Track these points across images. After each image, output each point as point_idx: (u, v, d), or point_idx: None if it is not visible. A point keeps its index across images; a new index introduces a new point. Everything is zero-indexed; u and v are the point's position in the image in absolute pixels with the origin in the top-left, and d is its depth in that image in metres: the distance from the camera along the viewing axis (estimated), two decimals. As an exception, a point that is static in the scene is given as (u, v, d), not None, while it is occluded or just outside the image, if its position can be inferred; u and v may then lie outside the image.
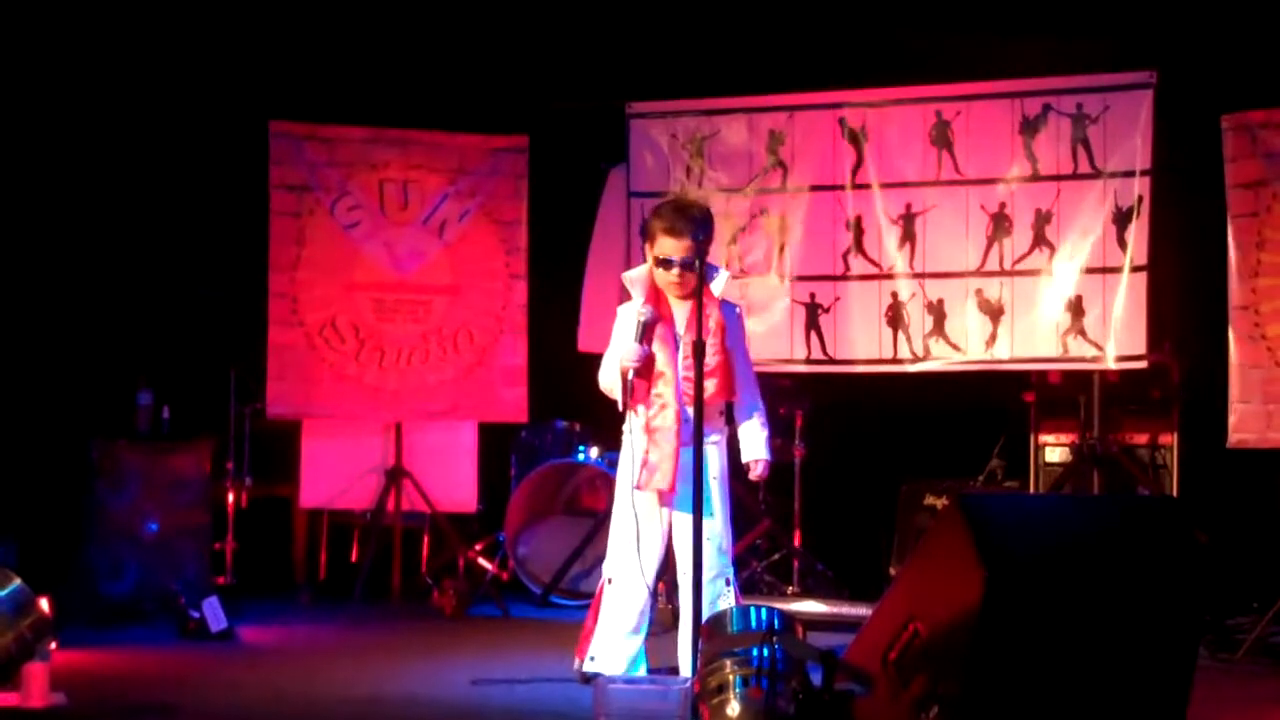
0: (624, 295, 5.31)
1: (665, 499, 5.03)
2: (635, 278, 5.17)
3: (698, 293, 4.78)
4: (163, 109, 7.62)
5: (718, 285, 5.08)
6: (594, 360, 7.62)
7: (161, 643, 6.26)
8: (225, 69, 7.60)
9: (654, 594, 5.19)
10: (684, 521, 4.86)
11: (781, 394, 7.36)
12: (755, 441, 5.19)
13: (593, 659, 5.09)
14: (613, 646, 5.08)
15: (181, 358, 7.44)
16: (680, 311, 5.08)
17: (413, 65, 7.72)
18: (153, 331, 7.50)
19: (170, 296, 7.55)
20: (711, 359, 4.91)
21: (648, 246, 5.15)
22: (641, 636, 5.12)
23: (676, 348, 5.04)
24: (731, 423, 5.16)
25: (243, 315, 7.41)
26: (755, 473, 5.21)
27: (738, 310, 5.26)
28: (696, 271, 4.84)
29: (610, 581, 5.11)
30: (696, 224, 5.03)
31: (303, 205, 7.34)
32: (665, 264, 5.04)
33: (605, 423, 7.57)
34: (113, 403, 7.01)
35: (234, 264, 7.55)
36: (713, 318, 4.97)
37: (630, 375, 4.97)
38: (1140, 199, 6.56)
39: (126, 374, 7.06)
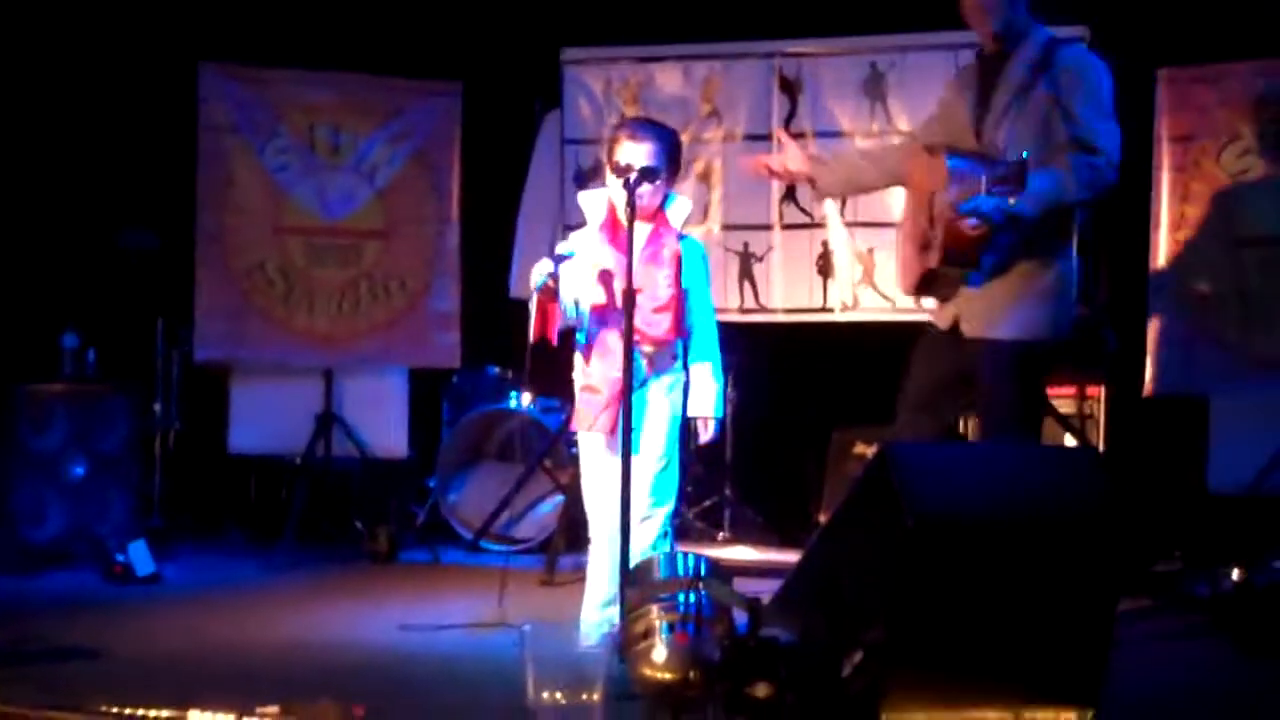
0: (556, 241, 5.25)
1: (606, 441, 4.74)
2: (592, 198, 4.82)
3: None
4: (89, 48, 7.50)
5: (676, 212, 4.78)
6: (525, 307, 7.67)
7: (87, 587, 6.23)
8: (153, 8, 7.48)
9: None
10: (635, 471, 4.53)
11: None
12: (704, 395, 4.81)
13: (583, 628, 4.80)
14: (589, 615, 4.79)
15: (108, 301, 7.35)
16: (638, 237, 4.64)
17: (346, 5, 7.63)
18: (79, 274, 7.40)
19: (97, 239, 7.44)
20: (665, 291, 4.67)
21: (607, 162, 4.79)
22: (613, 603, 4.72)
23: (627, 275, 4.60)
24: (686, 368, 4.85)
25: (171, 258, 7.32)
26: (703, 435, 4.86)
27: (703, 251, 4.92)
28: (658, 185, 4.62)
29: (592, 541, 4.85)
30: (663, 134, 4.78)
31: (232, 147, 7.25)
32: (624, 170, 4.59)
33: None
34: (38, 346, 6.92)
35: (162, 206, 7.45)
36: (668, 246, 4.72)
37: (535, 296, 4.53)
38: (1071, 152, 6.58)
39: (52, 317, 6.97)
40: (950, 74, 6.67)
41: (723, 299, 7.03)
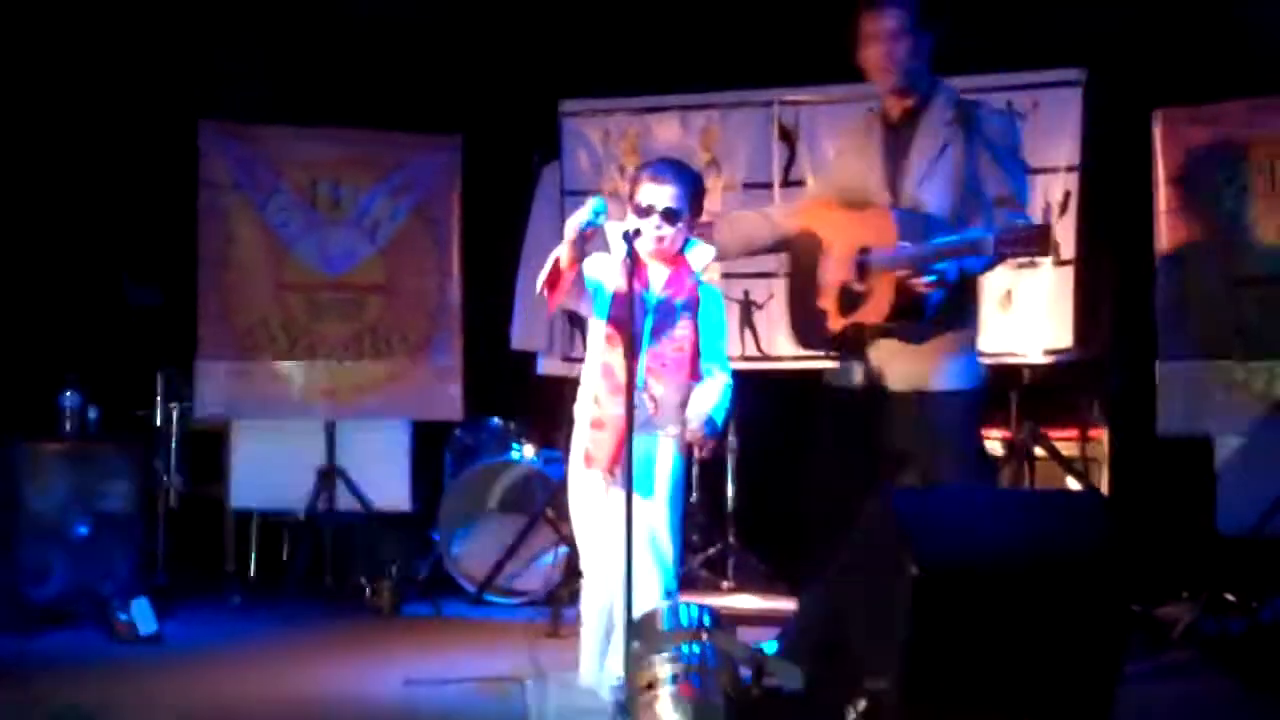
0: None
1: (606, 479, 4.60)
2: (619, 230, 4.58)
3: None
4: (91, 104, 7.54)
5: (697, 257, 4.71)
6: (527, 358, 7.70)
7: (89, 647, 6.19)
8: (154, 67, 7.52)
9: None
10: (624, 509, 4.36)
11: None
12: (702, 401, 4.61)
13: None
14: (586, 652, 4.70)
15: (109, 358, 7.34)
16: (657, 277, 4.65)
17: (345, 62, 7.67)
18: (80, 332, 7.40)
19: (98, 296, 7.45)
20: (681, 331, 4.61)
21: (629, 203, 4.73)
22: (610, 639, 4.66)
23: (645, 314, 4.58)
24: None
25: (172, 315, 7.33)
26: (690, 431, 4.58)
27: (721, 298, 4.87)
28: (679, 227, 4.57)
29: (584, 578, 4.77)
30: (686, 176, 4.71)
31: (232, 204, 7.28)
32: (645, 211, 4.59)
33: (540, 420, 7.59)
34: (39, 404, 6.91)
35: (163, 263, 7.47)
36: (687, 288, 4.65)
37: (570, 238, 4.39)
38: (1069, 195, 6.61)
39: (53, 375, 6.97)
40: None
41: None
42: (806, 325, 5.10)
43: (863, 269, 4.82)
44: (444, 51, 7.70)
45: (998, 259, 4.60)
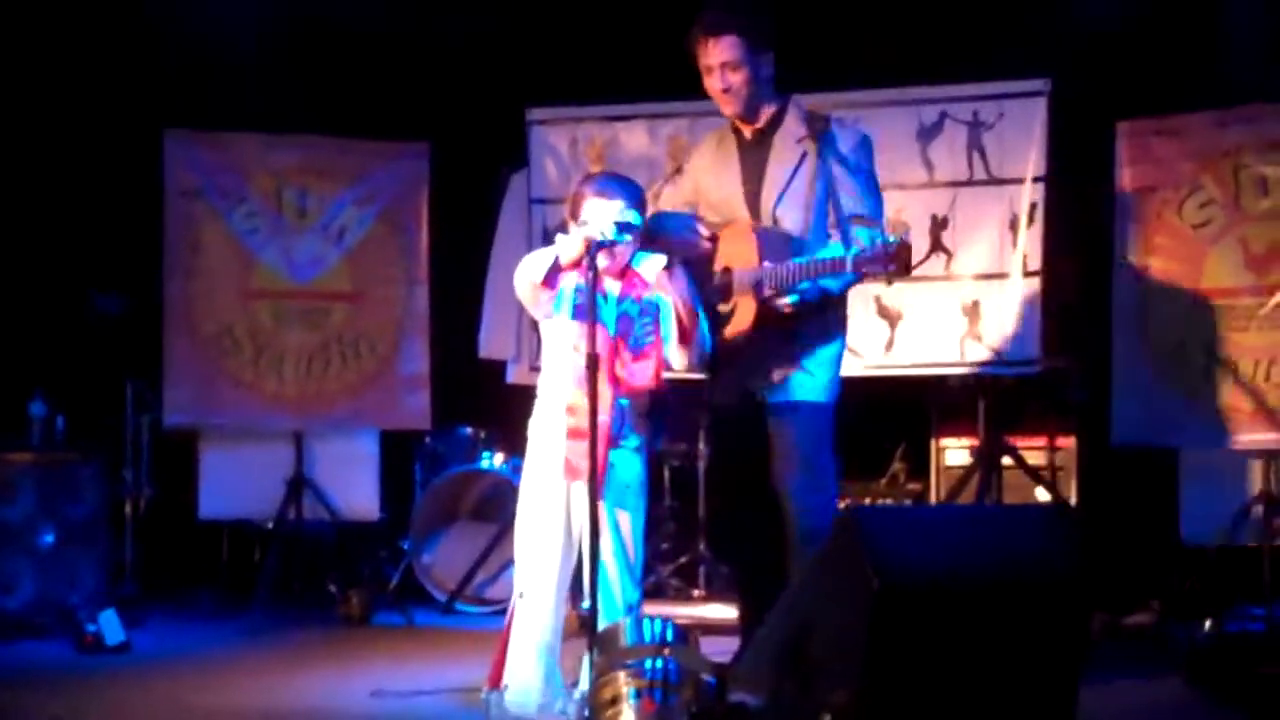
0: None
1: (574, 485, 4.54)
2: (569, 241, 4.56)
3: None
4: (55, 114, 7.50)
5: (648, 269, 4.63)
6: (496, 367, 7.68)
7: (57, 658, 6.17)
8: (119, 75, 7.49)
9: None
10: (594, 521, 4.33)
11: (686, 398, 7.35)
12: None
13: (507, 686, 4.67)
14: (527, 667, 4.64)
15: (76, 367, 7.31)
16: (610, 290, 4.58)
17: (312, 69, 7.64)
18: (46, 341, 7.37)
19: (64, 306, 7.42)
20: (646, 339, 4.57)
21: (572, 220, 4.64)
22: (556, 653, 4.70)
23: (609, 326, 4.49)
24: (658, 423, 4.78)
25: (139, 324, 7.30)
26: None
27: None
28: (628, 241, 4.52)
29: (521, 595, 4.69)
30: (631, 190, 4.67)
31: (198, 212, 7.26)
32: (627, 228, 4.54)
33: (509, 429, 7.58)
34: (6, 414, 6.89)
35: (129, 272, 7.44)
36: (644, 296, 4.60)
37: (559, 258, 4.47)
38: (1034, 205, 6.64)
39: (20, 385, 6.94)
40: (911, 130, 6.80)
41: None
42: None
43: (725, 289, 4.80)
44: (412, 59, 7.68)
45: (856, 278, 4.55)
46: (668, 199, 5.14)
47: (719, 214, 4.90)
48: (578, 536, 4.61)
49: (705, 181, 4.99)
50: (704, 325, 4.73)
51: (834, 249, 4.55)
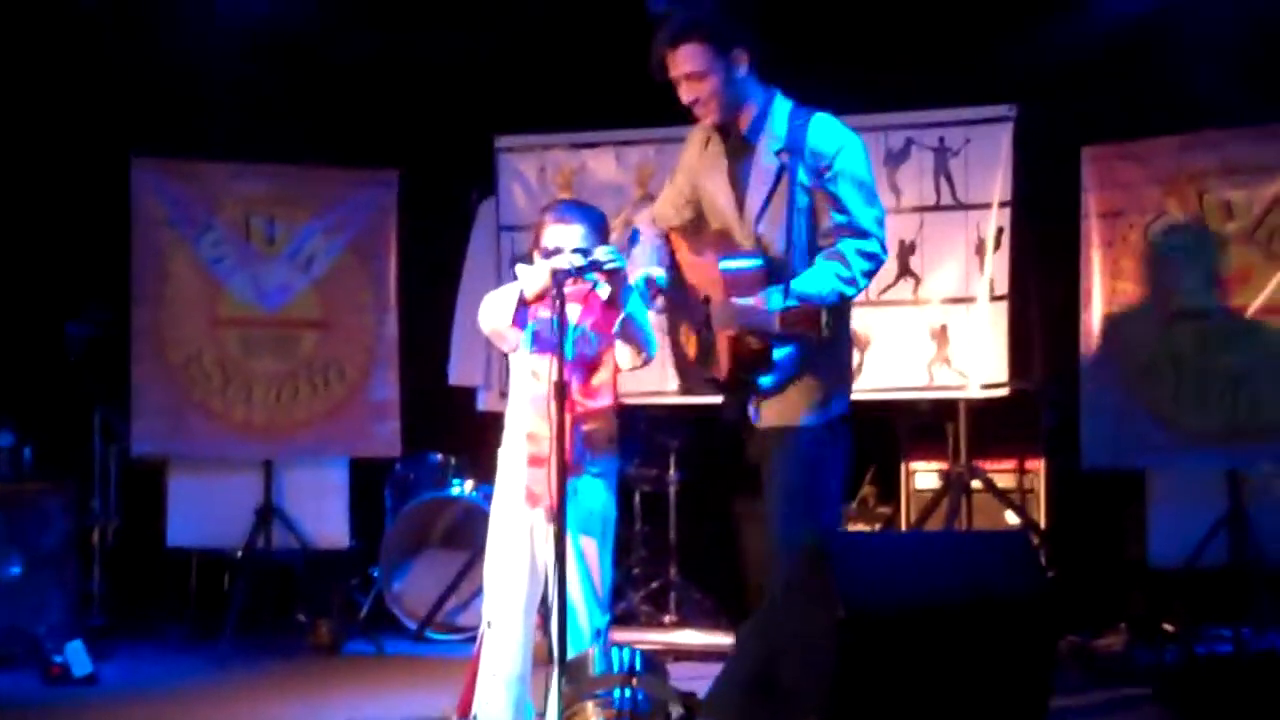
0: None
1: (548, 515, 4.43)
2: (531, 272, 4.52)
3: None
4: (22, 142, 7.47)
5: (606, 292, 4.53)
6: (466, 394, 7.68)
7: (23, 689, 6.13)
8: (86, 103, 7.47)
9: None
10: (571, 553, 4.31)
11: (657, 423, 7.38)
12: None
13: (475, 716, 4.61)
14: (496, 697, 4.59)
15: (43, 397, 7.28)
16: (571, 316, 4.49)
17: (280, 98, 7.64)
18: (12, 371, 7.33)
19: (31, 335, 7.38)
20: (604, 363, 4.53)
21: (534, 248, 4.61)
22: (526, 682, 4.63)
23: (567, 355, 4.34)
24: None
25: (107, 352, 7.27)
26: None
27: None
28: (596, 276, 4.40)
29: (490, 625, 4.63)
30: (592, 215, 4.61)
31: (166, 240, 7.25)
32: (553, 254, 4.44)
33: (479, 456, 7.57)
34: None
35: (97, 300, 7.40)
36: (601, 319, 4.53)
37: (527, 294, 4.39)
38: (1001, 230, 6.67)
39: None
40: (878, 156, 6.81)
41: (662, 381, 7.01)
42: (686, 368, 4.83)
43: (709, 319, 4.62)
44: (380, 87, 7.68)
45: (838, 300, 4.36)
46: (664, 198, 4.84)
47: (718, 220, 4.65)
48: (543, 564, 4.59)
49: (701, 183, 4.70)
50: (646, 326, 4.60)
51: (774, 299, 4.27)
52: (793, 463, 4.48)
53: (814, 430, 4.48)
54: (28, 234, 7.53)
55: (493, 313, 4.60)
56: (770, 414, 4.51)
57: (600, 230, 4.66)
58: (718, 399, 4.76)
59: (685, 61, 4.43)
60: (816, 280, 4.33)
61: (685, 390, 5.14)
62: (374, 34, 7.52)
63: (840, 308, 4.47)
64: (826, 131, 4.46)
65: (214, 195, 7.31)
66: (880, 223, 4.45)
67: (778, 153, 4.42)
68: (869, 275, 4.45)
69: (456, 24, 7.55)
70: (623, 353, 4.59)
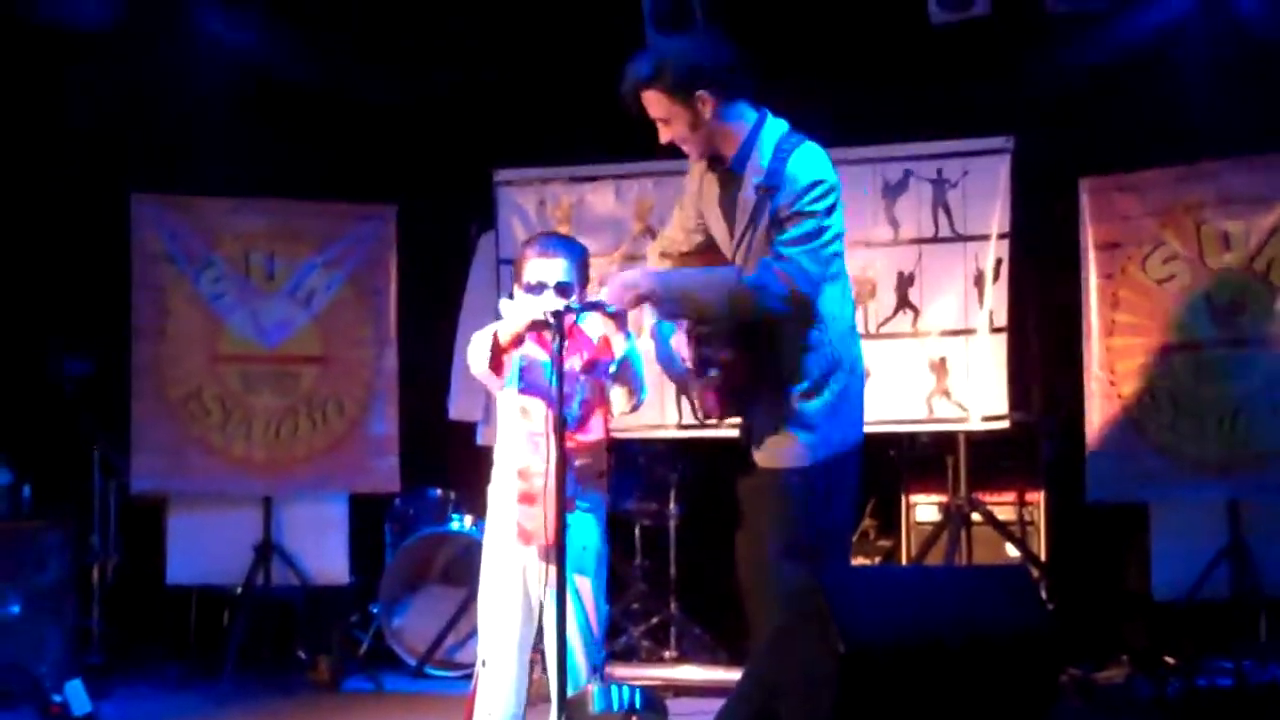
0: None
1: (541, 552, 4.42)
2: (514, 308, 4.50)
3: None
4: (22, 179, 7.49)
5: (591, 326, 4.49)
6: (466, 429, 7.67)
7: (22, 729, 6.13)
8: (86, 140, 7.48)
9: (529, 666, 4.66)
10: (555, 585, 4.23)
11: (656, 457, 7.37)
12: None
13: None
14: None
15: (42, 434, 7.27)
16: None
17: (279, 133, 7.65)
18: (11, 408, 7.33)
19: (30, 372, 7.38)
20: (589, 396, 4.47)
21: (517, 282, 4.59)
22: (522, 714, 4.59)
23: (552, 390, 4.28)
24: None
25: (106, 389, 7.27)
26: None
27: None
28: (571, 299, 4.40)
29: (484, 664, 4.58)
30: (573, 248, 4.59)
31: (166, 276, 7.25)
32: (537, 288, 4.48)
33: (479, 491, 7.55)
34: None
35: (96, 337, 7.41)
36: (586, 351, 4.48)
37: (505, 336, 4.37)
38: (999, 261, 6.68)
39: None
40: (876, 188, 6.83)
41: (660, 415, 7.03)
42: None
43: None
44: (378, 122, 7.70)
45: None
46: (674, 223, 4.66)
47: (723, 249, 4.49)
48: (537, 602, 4.56)
49: (703, 210, 4.53)
50: (640, 372, 4.55)
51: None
52: (779, 505, 4.29)
53: (799, 473, 4.27)
54: (27, 271, 7.54)
55: (474, 358, 4.56)
56: (759, 452, 4.35)
57: (582, 264, 4.63)
58: (716, 432, 4.72)
59: (649, 108, 4.31)
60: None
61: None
62: (372, 68, 7.55)
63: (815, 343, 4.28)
64: (806, 163, 4.24)
65: (213, 231, 7.32)
66: (801, 270, 4.16)
67: (757, 186, 4.26)
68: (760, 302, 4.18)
69: (455, 58, 7.58)
70: (616, 395, 4.56)
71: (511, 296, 4.65)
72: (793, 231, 4.18)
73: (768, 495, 4.31)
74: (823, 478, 4.27)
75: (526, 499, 4.50)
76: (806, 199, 4.18)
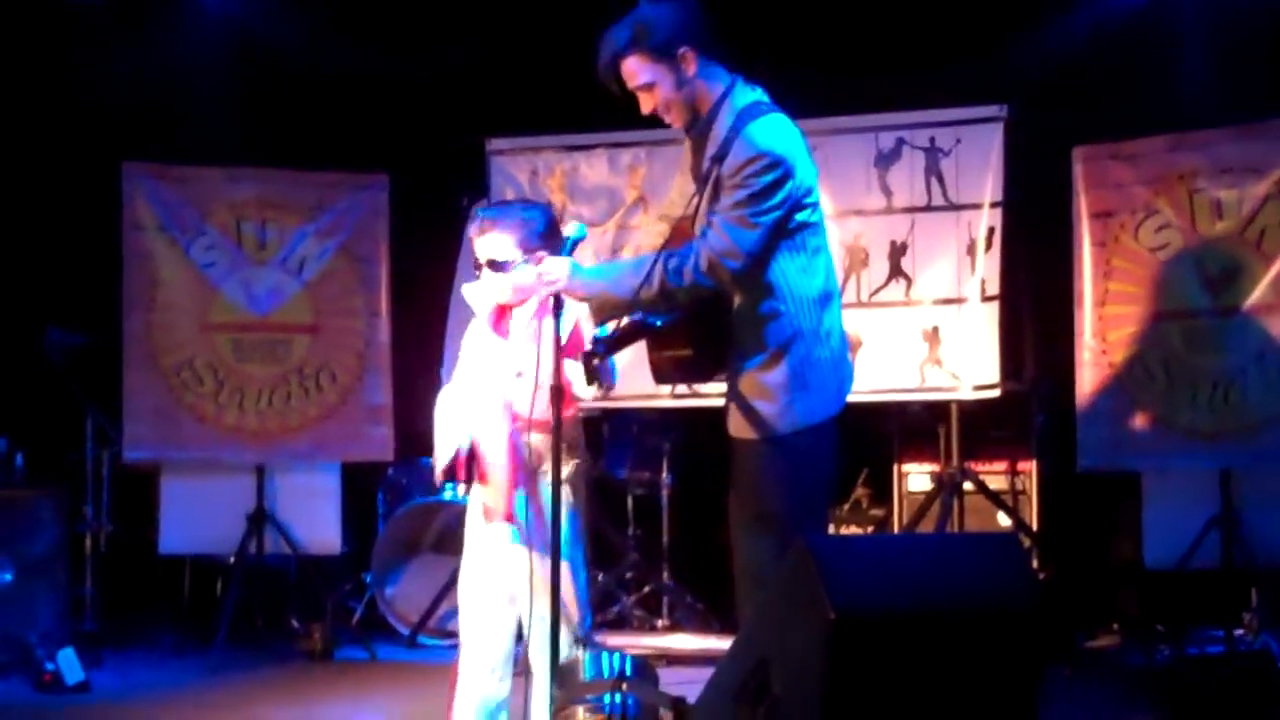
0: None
1: (515, 530, 4.38)
2: (475, 291, 4.49)
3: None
4: (12, 147, 7.47)
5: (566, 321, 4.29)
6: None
7: (15, 697, 6.12)
8: (77, 110, 7.46)
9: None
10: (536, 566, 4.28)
11: (649, 426, 7.38)
12: None
13: None
14: (472, 716, 4.47)
15: (35, 403, 7.27)
16: (519, 319, 4.42)
17: (271, 103, 7.64)
18: (4, 378, 7.32)
19: (22, 342, 7.37)
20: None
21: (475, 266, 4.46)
22: (505, 695, 4.51)
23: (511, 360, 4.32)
24: (587, 449, 4.55)
25: (98, 358, 7.26)
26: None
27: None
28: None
29: (465, 643, 4.50)
30: (509, 213, 4.44)
31: (158, 246, 7.23)
32: (497, 266, 4.36)
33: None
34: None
35: (88, 306, 7.40)
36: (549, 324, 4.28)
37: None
38: (992, 230, 6.68)
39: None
40: (869, 157, 6.83)
41: (654, 385, 6.99)
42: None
43: None
44: (370, 91, 7.68)
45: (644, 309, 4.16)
46: (676, 187, 4.53)
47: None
48: (512, 579, 4.46)
49: (684, 189, 4.43)
50: (612, 359, 4.34)
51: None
52: (747, 477, 4.26)
53: (766, 442, 4.21)
54: (18, 242, 7.52)
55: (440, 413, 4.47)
56: (729, 420, 4.28)
57: (527, 226, 4.41)
58: (709, 401, 4.68)
59: (631, 77, 4.19)
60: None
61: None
62: (364, 38, 7.52)
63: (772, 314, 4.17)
64: (757, 135, 4.08)
65: (205, 200, 7.30)
66: (737, 233, 4.05)
67: (711, 157, 4.16)
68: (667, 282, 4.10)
69: (447, 27, 7.55)
70: (574, 373, 4.29)
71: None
72: (725, 200, 4.08)
73: (734, 465, 4.28)
74: (789, 449, 4.18)
75: (481, 478, 4.43)
76: (745, 171, 4.05)
